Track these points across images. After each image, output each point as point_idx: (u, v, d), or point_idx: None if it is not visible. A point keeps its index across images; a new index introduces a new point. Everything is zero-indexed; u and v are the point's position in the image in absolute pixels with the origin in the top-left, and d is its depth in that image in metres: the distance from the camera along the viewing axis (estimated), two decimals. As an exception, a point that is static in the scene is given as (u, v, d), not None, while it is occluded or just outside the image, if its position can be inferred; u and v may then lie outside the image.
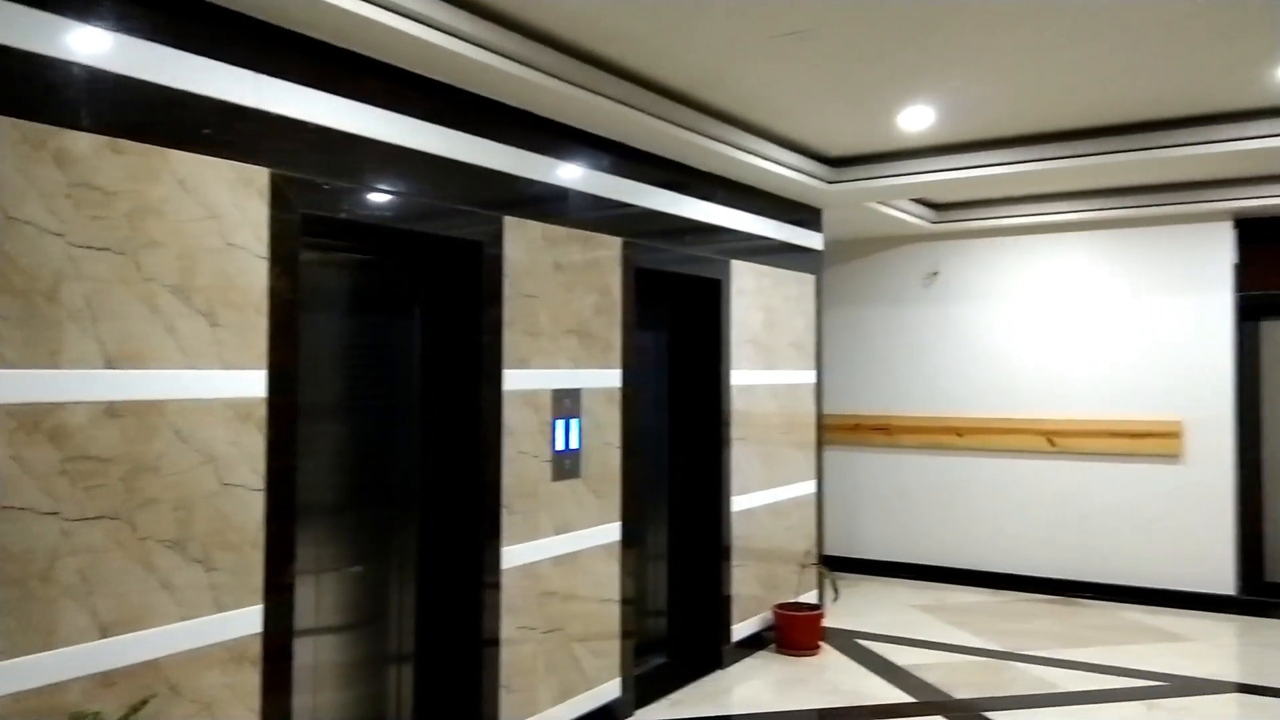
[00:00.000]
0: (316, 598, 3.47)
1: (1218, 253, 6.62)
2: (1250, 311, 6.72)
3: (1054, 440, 7.05)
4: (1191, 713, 4.63)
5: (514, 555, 3.87)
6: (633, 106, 4.19)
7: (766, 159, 5.21)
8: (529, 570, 3.96)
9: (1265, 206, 6.29)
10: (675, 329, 5.46)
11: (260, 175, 2.95)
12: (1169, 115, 4.79)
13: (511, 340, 3.88)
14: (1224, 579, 6.53)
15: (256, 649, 2.91)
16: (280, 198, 3.00)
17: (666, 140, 4.60)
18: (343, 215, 3.24)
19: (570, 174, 4.25)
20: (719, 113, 4.75)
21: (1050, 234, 7.14)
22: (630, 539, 4.59)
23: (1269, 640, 5.87)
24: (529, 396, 3.98)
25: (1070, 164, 5.12)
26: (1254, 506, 6.70)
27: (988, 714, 4.60)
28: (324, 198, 3.16)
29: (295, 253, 3.05)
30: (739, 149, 4.98)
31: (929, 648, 5.72)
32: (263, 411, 2.94)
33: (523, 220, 3.95)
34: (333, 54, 3.19)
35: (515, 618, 3.88)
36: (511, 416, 3.88)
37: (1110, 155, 5.00)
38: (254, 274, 2.93)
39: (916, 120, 4.85)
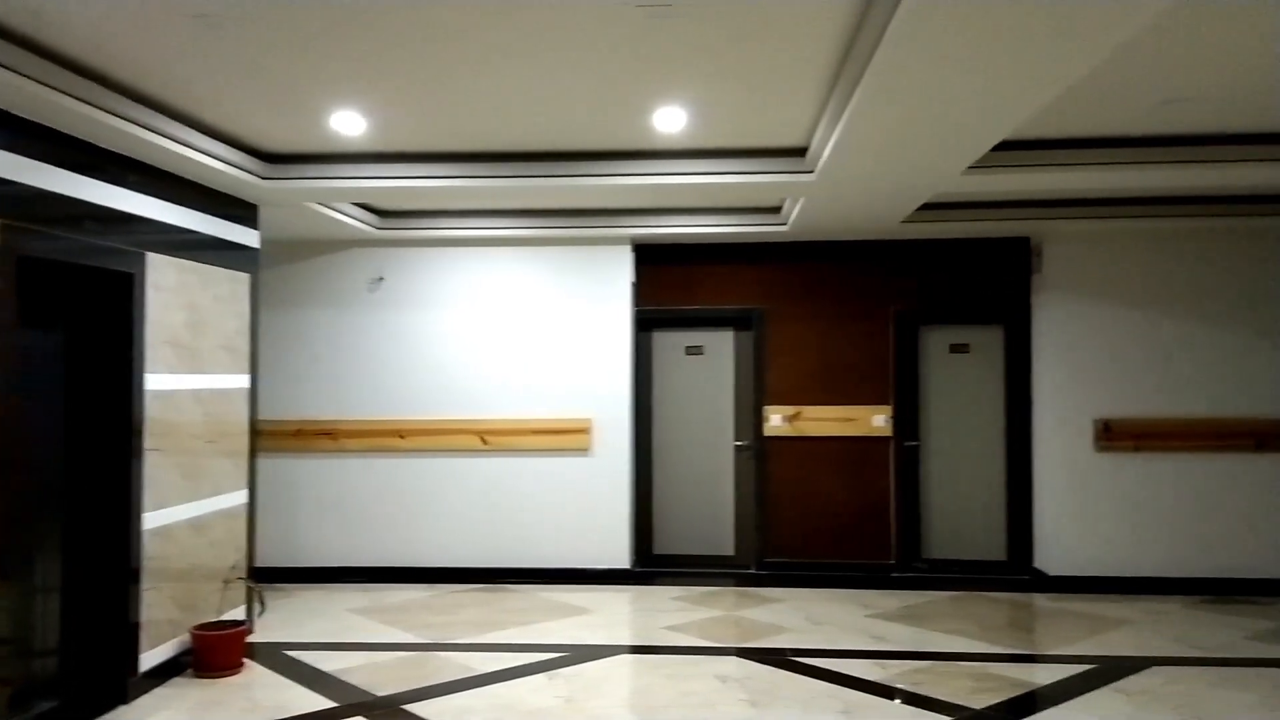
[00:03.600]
0: None
1: (621, 272, 7.65)
2: (645, 324, 7.89)
3: (486, 439, 7.57)
4: (584, 676, 5.25)
5: None
6: (11, 69, 3.62)
7: (189, 146, 4.85)
8: None
9: (656, 235, 7.43)
10: (76, 328, 4.81)
11: None
12: (575, 148, 5.38)
13: None
14: (622, 554, 7.56)
15: None
16: None
17: (62, 114, 4.05)
18: None
19: (-82, 138, 3.53)
20: (133, 91, 4.31)
21: (485, 247, 7.66)
22: (5, 571, 3.94)
23: (653, 605, 6.91)
24: None
25: (494, 184, 5.52)
26: (645, 489, 7.88)
27: (407, 706, 4.77)
28: None
29: None
30: (155, 132, 4.56)
31: (360, 650, 5.76)
32: None
33: None
34: None
35: None
36: None
37: (527, 179, 5.49)
38: None
39: (348, 125, 4.87)
